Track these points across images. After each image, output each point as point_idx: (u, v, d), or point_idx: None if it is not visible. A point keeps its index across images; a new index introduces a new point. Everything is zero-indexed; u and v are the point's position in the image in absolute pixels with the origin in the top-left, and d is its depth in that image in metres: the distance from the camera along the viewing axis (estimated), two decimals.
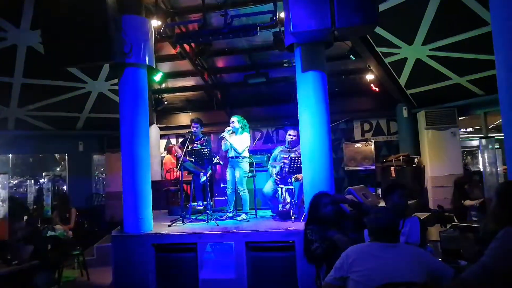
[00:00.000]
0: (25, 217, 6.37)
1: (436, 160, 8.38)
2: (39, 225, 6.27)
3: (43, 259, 4.71)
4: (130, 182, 5.34)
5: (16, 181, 15.53)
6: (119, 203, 5.76)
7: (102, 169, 13.79)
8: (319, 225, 3.56)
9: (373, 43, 7.49)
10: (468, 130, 12.32)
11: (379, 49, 7.65)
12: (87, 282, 6.26)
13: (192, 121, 6.75)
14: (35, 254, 4.71)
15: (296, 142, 6.25)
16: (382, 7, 6.13)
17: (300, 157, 5.45)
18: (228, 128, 6.34)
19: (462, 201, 6.04)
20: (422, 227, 3.34)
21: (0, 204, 4.74)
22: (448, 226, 5.34)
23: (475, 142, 12.68)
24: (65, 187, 12.21)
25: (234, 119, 6.41)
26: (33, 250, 4.73)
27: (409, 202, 7.23)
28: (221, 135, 6.34)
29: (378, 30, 6.81)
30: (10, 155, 15.98)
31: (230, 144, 6.21)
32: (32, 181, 10.14)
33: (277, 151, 6.57)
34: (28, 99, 8.45)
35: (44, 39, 4.98)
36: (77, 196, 8.98)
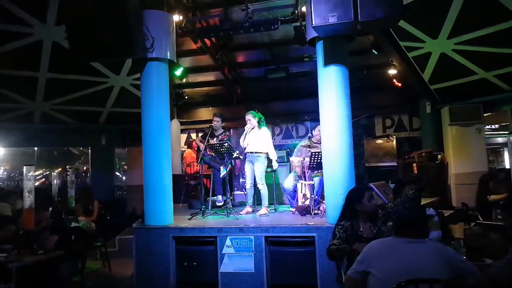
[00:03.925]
0: (50, 208, 6.54)
1: (460, 157, 8.21)
2: (63, 216, 6.42)
3: (67, 249, 4.82)
4: (151, 176, 5.41)
5: (41, 173, 15.95)
6: (140, 196, 5.84)
7: (123, 162, 14.02)
8: (353, 219, 3.53)
9: (396, 37, 7.37)
10: (493, 127, 12.02)
11: (402, 44, 7.52)
12: (109, 273, 6.38)
13: (214, 115, 6.78)
14: (60, 244, 4.82)
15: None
16: (406, 0, 6.01)
17: (321, 152, 5.42)
18: (248, 126, 6.30)
19: (488, 196, 5.89)
20: (442, 221, 3.27)
21: (26, 195, 4.86)
22: (472, 224, 5.22)
23: (500, 140, 12.37)
24: (86, 180, 12.49)
25: (248, 116, 6.33)
26: (58, 240, 4.84)
27: (432, 200, 7.15)
28: (242, 135, 6.32)
29: (402, 23, 6.70)
30: (36, 148, 16.38)
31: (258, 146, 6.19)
32: (57, 174, 10.36)
33: (297, 147, 6.53)
34: (53, 94, 8.64)
35: (69, 34, 5.06)
36: (99, 189, 9.16)
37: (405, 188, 3.47)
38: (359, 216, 3.57)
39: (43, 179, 15.74)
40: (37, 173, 15.12)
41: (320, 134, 6.25)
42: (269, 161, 6.36)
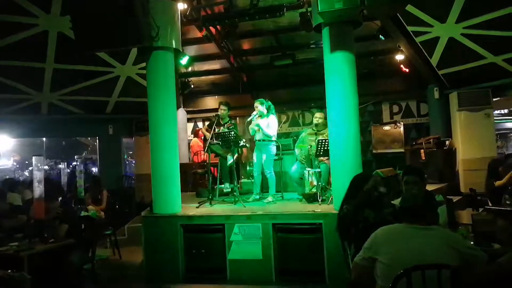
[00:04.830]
0: (60, 198, 6.62)
1: (468, 143, 8.14)
2: (73, 206, 6.50)
3: (78, 238, 4.89)
4: (159, 165, 5.44)
5: (50, 164, 16.12)
6: (148, 185, 5.88)
7: (131, 152, 14.11)
8: (357, 204, 3.53)
9: (403, 22, 7.27)
10: (502, 112, 11.89)
11: (410, 28, 7.42)
12: (119, 261, 6.48)
13: (220, 103, 6.77)
14: (70, 233, 4.90)
15: (323, 125, 6.20)
16: None
17: (328, 140, 5.40)
18: (255, 112, 6.32)
19: (494, 182, 5.87)
20: (450, 207, 3.25)
21: (36, 185, 4.92)
22: (480, 209, 5.20)
23: (509, 124, 12.23)
24: (94, 169, 12.58)
25: (256, 103, 6.36)
26: (68, 229, 4.92)
27: (440, 186, 7.12)
28: (248, 120, 6.34)
29: (410, 8, 6.60)
30: (44, 139, 16.54)
31: (262, 131, 6.20)
32: (65, 164, 10.48)
33: (304, 133, 6.53)
34: (60, 84, 8.69)
35: (74, 25, 5.06)
36: (107, 178, 9.25)
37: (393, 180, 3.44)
38: (362, 201, 3.56)
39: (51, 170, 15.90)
40: (45, 163, 15.25)
41: (317, 119, 6.27)
42: (277, 148, 6.37)
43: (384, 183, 3.49)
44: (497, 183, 5.87)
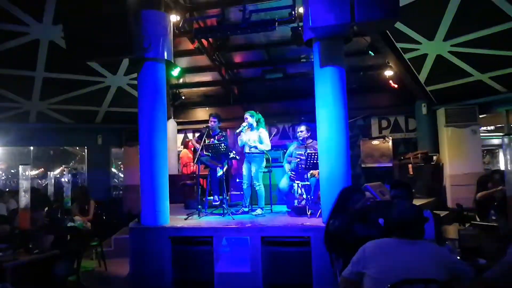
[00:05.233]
0: (46, 208, 6.52)
1: (455, 158, 8.25)
2: (59, 216, 6.40)
3: (63, 249, 4.81)
4: (147, 176, 5.40)
5: (37, 173, 15.88)
6: (136, 196, 5.83)
7: (120, 162, 13.99)
8: (344, 217, 3.54)
9: (392, 38, 7.40)
10: (488, 128, 12.06)
11: (399, 45, 7.55)
12: (105, 273, 6.37)
13: (210, 115, 6.78)
14: (56, 244, 4.81)
15: (306, 138, 6.31)
16: (403, 2, 6.04)
17: (317, 153, 5.43)
18: (244, 124, 6.35)
19: (477, 196, 5.94)
20: (437, 222, 3.28)
21: (22, 195, 4.84)
22: (467, 224, 5.25)
23: (496, 141, 12.41)
24: (80, 180, 12.44)
25: (247, 115, 6.41)
26: (54, 240, 4.83)
27: (427, 200, 7.18)
28: (237, 131, 6.37)
29: (398, 25, 6.73)
30: (31, 148, 16.32)
31: (259, 148, 6.22)
32: (52, 173, 10.33)
33: (292, 147, 6.58)
34: (50, 93, 8.63)
35: (66, 34, 5.06)
36: (95, 189, 9.14)
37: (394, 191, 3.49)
38: (348, 215, 3.57)
39: (38, 179, 15.67)
40: (33, 172, 15.05)
41: (299, 133, 6.33)
42: (267, 161, 6.38)
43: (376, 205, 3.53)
44: (479, 194, 5.94)
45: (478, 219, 5.53)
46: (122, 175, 12.30)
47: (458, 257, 3.19)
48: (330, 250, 3.59)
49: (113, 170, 12.93)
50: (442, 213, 6.48)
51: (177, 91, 10.07)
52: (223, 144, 6.14)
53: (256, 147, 6.24)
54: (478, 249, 3.28)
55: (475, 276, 2.48)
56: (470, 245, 3.44)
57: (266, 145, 6.26)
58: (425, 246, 2.56)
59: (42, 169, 16.22)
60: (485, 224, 4.47)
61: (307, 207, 5.78)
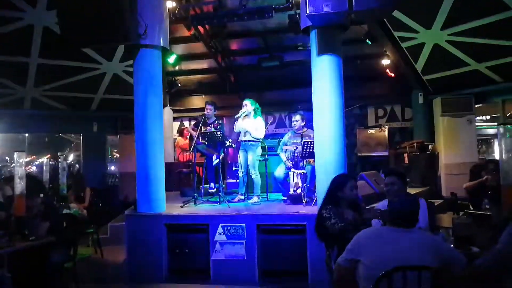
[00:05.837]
0: (41, 195, 6.50)
1: (450, 148, 8.29)
2: (55, 203, 6.39)
3: (59, 236, 4.81)
4: (143, 163, 5.40)
5: (32, 160, 15.84)
6: (132, 183, 5.83)
7: (116, 150, 13.96)
8: (337, 206, 3.56)
9: (390, 27, 7.36)
10: (484, 118, 12.11)
11: (396, 34, 7.52)
12: (101, 260, 6.41)
13: (206, 103, 6.76)
14: (51, 231, 4.81)
15: (302, 127, 6.33)
16: None
17: (313, 141, 5.44)
18: (243, 110, 6.35)
19: (464, 185, 6.00)
20: (431, 210, 3.31)
21: (18, 182, 4.81)
22: (461, 213, 5.30)
23: (491, 131, 12.49)
24: (77, 166, 12.41)
25: (246, 102, 6.42)
26: (49, 227, 4.83)
27: (422, 189, 7.23)
28: (236, 116, 6.37)
29: (396, 13, 6.69)
30: (27, 135, 16.25)
31: (252, 135, 6.23)
32: (48, 160, 10.29)
33: (287, 136, 6.58)
34: (44, 79, 8.55)
35: (60, 20, 5.00)
36: (91, 176, 9.13)
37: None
38: (341, 203, 3.60)
39: (30, 166, 15.62)
40: (27, 159, 15.01)
41: (298, 121, 6.33)
42: (263, 149, 6.39)
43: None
44: (465, 184, 6.00)
45: (471, 208, 5.58)
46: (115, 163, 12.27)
47: (452, 245, 3.22)
48: (322, 238, 3.63)
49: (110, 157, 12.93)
50: (437, 202, 6.54)
51: (173, 79, 10.02)
52: (219, 132, 6.13)
53: (250, 134, 6.26)
54: (471, 237, 3.32)
55: (467, 264, 2.51)
56: (464, 233, 3.48)
57: (260, 133, 6.26)
58: (418, 234, 2.60)
59: (34, 156, 16.17)
60: (478, 213, 4.52)
61: (303, 195, 5.80)
